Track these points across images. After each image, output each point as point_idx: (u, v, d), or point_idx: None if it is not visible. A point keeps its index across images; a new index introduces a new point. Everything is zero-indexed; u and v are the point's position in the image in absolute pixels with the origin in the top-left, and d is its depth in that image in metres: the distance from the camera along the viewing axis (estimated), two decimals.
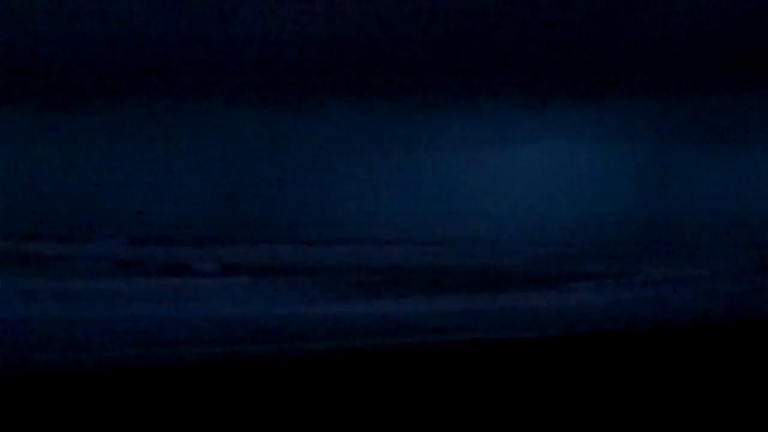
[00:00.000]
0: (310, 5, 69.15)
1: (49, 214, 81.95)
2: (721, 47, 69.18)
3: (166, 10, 69.28)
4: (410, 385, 14.17)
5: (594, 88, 75.52)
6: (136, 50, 71.53)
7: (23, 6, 68.77)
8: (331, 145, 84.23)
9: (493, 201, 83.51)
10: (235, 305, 31.17)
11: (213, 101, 77.48)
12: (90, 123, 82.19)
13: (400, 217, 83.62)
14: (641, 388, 13.26)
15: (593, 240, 76.72)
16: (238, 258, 57.72)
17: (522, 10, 70.27)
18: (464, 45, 73.46)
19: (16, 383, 14.59)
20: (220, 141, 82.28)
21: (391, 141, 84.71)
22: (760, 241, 74.64)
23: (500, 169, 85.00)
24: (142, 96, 77.48)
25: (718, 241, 74.65)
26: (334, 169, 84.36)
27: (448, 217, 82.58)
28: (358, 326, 25.75)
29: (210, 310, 29.15)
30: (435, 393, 13.34)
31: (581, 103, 77.34)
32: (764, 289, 38.73)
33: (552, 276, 46.98)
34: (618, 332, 22.68)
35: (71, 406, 12.49)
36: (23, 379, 15.27)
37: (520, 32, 71.64)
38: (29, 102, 77.83)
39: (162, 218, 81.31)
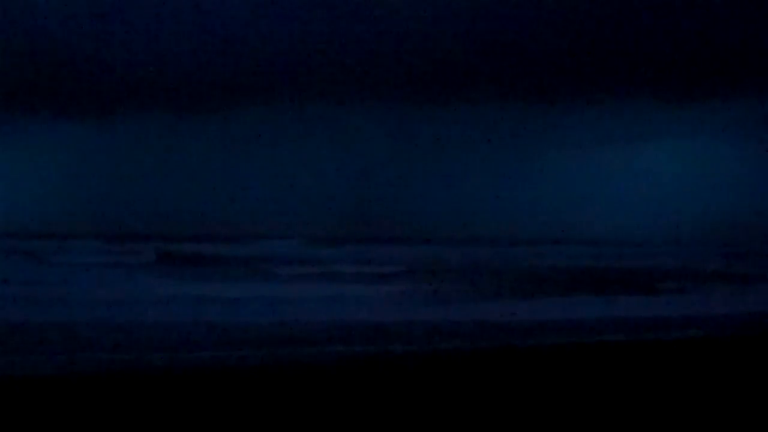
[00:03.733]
0: (439, 4, 69.30)
1: (195, 216, 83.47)
2: None
3: (290, 10, 70.14)
4: (564, 383, 14.21)
5: (735, 84, 74.15)
6: (268, 52, 72.66)
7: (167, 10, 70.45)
8: (460, 143, 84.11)
9: (633, 200, 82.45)
10: (379, 308, 31.27)
11: (348, 100, 78.11)
12: (229, 125, 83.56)
13: (534, 217, 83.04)
14: None
15: (742, 240, 75.37)
16: (375, 258, 58.10)
17: (662, 7, 69.47)
18: (601, 41, 72.82)
19: (180, 381, 15.15)
20: (355, 140, 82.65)
21: (524, 139, 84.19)
22: None
23: (639, 167, 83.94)
24: (277, 97, 78.65)
25: None
26: (464, 168, 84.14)
27: (587, 217, 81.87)
28: (495, 327, 25.89)
29: (352, 313, 29.15)
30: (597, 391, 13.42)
31: (722, 99, 76.01)
32: None
33: (708, 275, 46.40)
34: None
35: (234, 403, 12.98)
36: (184, 377, 15.76)
37: (659, 27, 70.77)
38: (185, 104, 79.66)
39: (301, 219, 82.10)
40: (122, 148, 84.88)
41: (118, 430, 11.33)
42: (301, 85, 76.28)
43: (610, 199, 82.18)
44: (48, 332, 22.53)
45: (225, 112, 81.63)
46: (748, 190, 76.58)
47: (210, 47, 72.05)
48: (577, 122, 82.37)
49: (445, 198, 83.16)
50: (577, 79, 75.70)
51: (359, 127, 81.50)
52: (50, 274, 41.19)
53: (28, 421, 11.76)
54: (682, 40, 70.99)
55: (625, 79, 75.45)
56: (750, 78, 73.07)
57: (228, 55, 72.48)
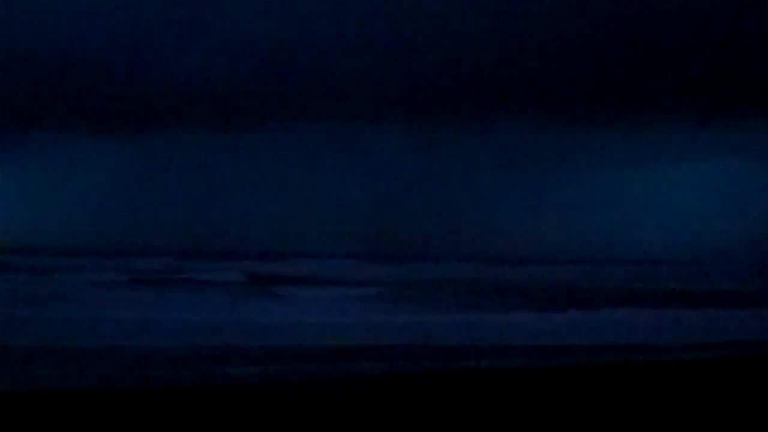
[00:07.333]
0: (467, 18, 69.66)
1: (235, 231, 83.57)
2: None
3: (321, 30, 70.79)
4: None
5: (762, 104, 74.27)
6: (307, 71, 73.35)
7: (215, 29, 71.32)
8: (487, 162, 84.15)
9: (660, 220, 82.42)
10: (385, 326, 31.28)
11: (377, 118, 78.45)
12: (267, 143, 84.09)
13: (560, 236, 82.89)
14: None
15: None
16: (395, 275, 58.18)
17: (686, 28, 69.89)
18: (627, 62, 73.22)
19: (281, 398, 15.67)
20: (377, 158, 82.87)
21: (551, 158, 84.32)
22: None
23: (665, 187, 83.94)
24: (303, 117, 79.28)
25: None
26: (490, 186, 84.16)
27: (613, 236, 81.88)
28: (513, 342, 26.22)
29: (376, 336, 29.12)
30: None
31: (748, 119, 76.08)
32: None
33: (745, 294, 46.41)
34: None
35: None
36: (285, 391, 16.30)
37: (686, 48, 71.15)
38: (236, 122, 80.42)
39: (318, 236, 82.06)
40: (161, 166, 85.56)
41: None
42: (346, 104, 76.68)
43: (647, 218, 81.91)
44: (134, 353, 23.11)
45: (263, 129, 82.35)
46: None
47: (247, 64, 72.75)
48: (606, 143, 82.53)
49: (482, 216, 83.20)
50: (607, 100, 76.01)
51: (395, 144, 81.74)
52: (127, 294, 41.40)
53: None
54: (714, 61, 71.14)
55: (652, 99, 75.75)
56: None
57: (265, 72, 73.20)
